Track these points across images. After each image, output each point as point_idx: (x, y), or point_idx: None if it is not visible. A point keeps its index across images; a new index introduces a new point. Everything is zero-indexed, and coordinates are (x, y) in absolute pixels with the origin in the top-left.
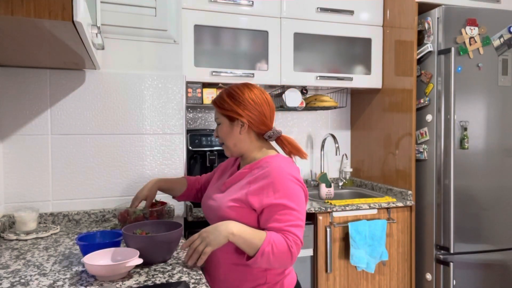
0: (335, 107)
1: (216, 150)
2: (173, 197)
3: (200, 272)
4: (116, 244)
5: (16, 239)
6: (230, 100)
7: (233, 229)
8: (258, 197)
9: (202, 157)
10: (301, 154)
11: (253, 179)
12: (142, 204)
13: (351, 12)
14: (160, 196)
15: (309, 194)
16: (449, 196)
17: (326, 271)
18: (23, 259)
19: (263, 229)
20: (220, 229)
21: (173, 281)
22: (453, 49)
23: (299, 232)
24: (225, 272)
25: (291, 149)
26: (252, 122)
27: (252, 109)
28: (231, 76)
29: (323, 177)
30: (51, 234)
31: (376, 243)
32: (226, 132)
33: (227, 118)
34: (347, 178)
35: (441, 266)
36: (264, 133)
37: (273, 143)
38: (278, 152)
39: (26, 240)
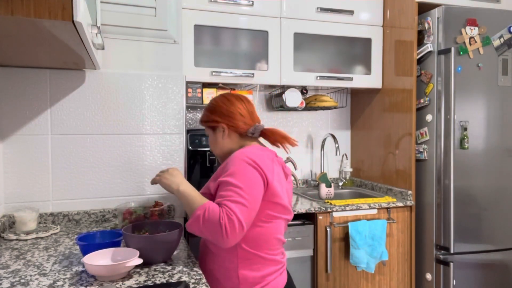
0: (335, 107)
1: None
2: None
3: (200, 272)
4: (116, 244)
5: (16, 239)
6: (208, 112)
7: (181, 186)
8: (215, 182)
9: (202, 157)
10: (290, 141)
11: (221, 167)
12: (143, 204)
13: (351, 12)
14: (160, 197)
15: (309, 194)
16: (449, 196)
17: (326, 271)
18: (23, 259)
19: None
20: (176, 179)
21: (173, 281)
22: (453, 49)
23: (237, 209)
24: (211, 267)
25: (277, 138)
26: (230, 124)
27: (227, 112)
28: (231, 76)
29: (323, 177)
30: (51, 234)
31: (376, 243)
32: (212, 141)
33: (210, 129)
34: (347, 178)
35: (441, 266)
36: (246, 131)
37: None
38: (263, 144)
39: (26, 240)
